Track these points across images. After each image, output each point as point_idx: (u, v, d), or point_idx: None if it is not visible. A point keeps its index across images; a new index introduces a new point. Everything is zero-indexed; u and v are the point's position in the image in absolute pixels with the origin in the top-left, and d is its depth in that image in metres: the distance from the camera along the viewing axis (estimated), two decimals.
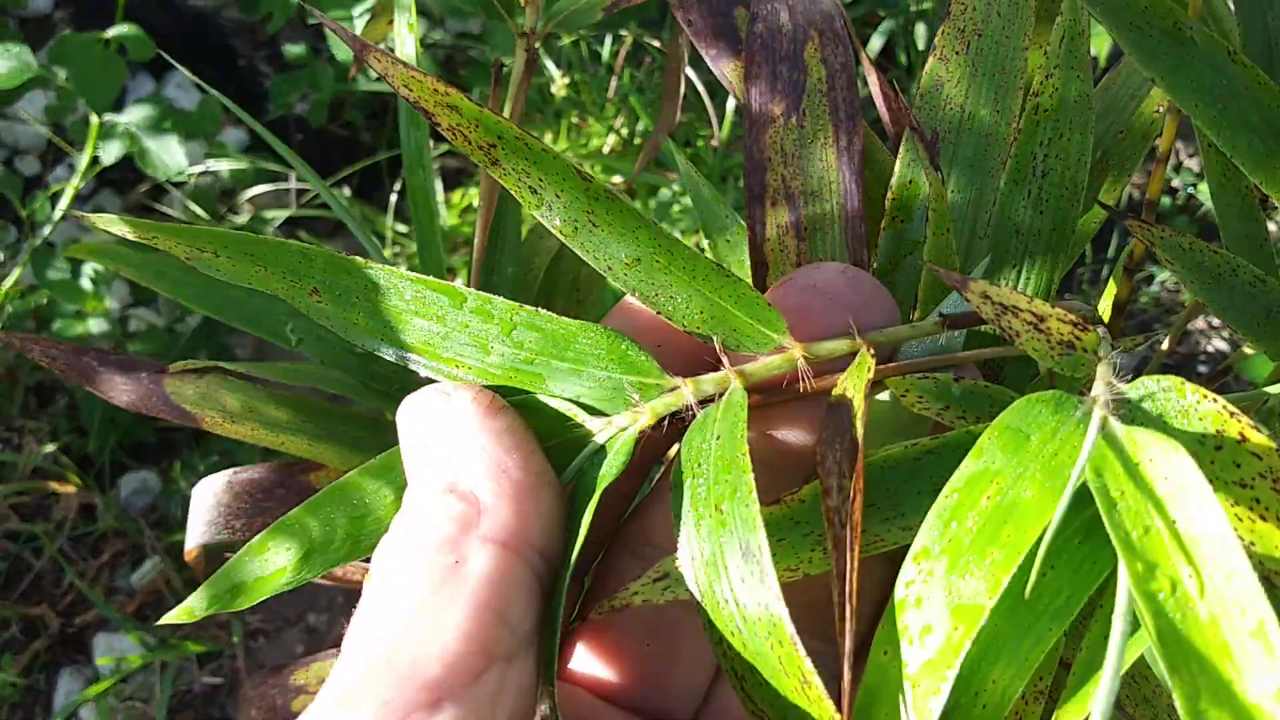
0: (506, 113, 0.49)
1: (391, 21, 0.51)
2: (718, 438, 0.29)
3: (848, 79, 0.38)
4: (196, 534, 0.52)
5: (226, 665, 1.27)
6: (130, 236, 0.33)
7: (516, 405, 0.33)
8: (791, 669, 0.26)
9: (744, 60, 0.37)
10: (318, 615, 1.33)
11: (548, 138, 1.50)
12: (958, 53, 0.38)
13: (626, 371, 0.32)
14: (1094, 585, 0.27)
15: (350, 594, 1.36)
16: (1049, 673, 0.30)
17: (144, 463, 1.39)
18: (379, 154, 1.54)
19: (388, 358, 0.33)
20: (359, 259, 0.32)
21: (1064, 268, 0.38)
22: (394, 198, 1.49)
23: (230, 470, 0.50)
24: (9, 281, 1.34)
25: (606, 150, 1.50)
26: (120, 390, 0.45)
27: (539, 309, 0.32)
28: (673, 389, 0.32)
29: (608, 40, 1.53)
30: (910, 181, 0.38)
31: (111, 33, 1.21)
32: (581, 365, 0.32)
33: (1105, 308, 0.45)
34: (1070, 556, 0.27)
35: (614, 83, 1.51)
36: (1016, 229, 0.37)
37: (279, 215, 1.51)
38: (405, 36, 0.49)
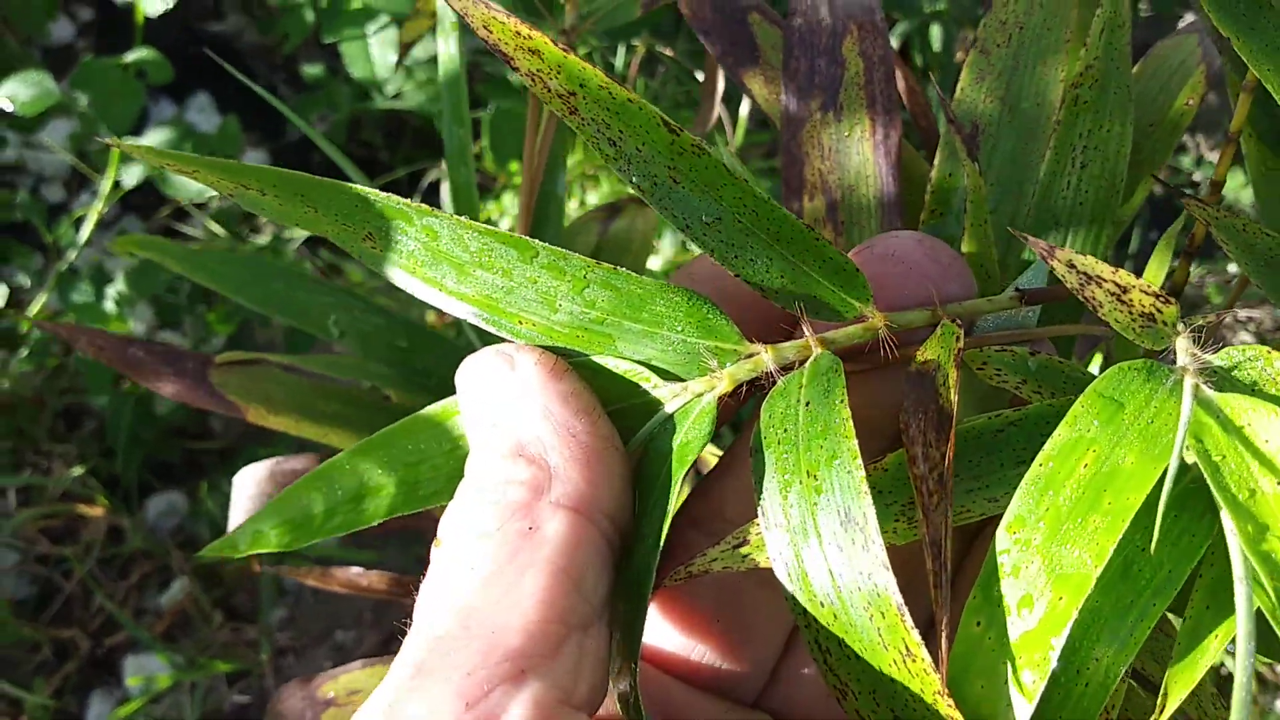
0: (545, 110, 0.50)
1: (432, 18, 0.52)
2: (806, 403, 0.29)
3: (886, 71, 0.38)
4: (238, 520, 0.52)
5: (255, 683, 1.27)
6: (170, 169, 0.32)
7: (576, 368, 0.32)
8: (893, 641, 0.26)
9: (782, 56, 0.38)
10: (345, 632, 1.33)
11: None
12: (999, 45, 0.38)
13: (704, 336, 0.31)
14: (1195, 558, 0.26)
15: (378, 607, 1.36)
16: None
17: (170, 484, 1.39)
18: (397, 171, 1.55)
19: (444, 309, 0.32)
20: (424, 205, 0.31)
21: (1103, 256, 0.38)
22: None
23: (273, 459, 0.50)
24: (36, 306, 1.35)
25: None
26: (166, 381, 0.45)
27: (618, 267, 0.31)
28: (751, 355, 0.31)
29: (620, 50, 1.53)
30: (949, 174, 0.38)
31: (130, 57, 1.22)
32: (656, 328, 0.31)
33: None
34: (1168, 530, 0.26)
35: None
36: (1055, 220, 0.37)
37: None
38: (448, 35, 0.49)
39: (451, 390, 0.52)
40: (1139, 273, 0.31)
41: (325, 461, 0.37)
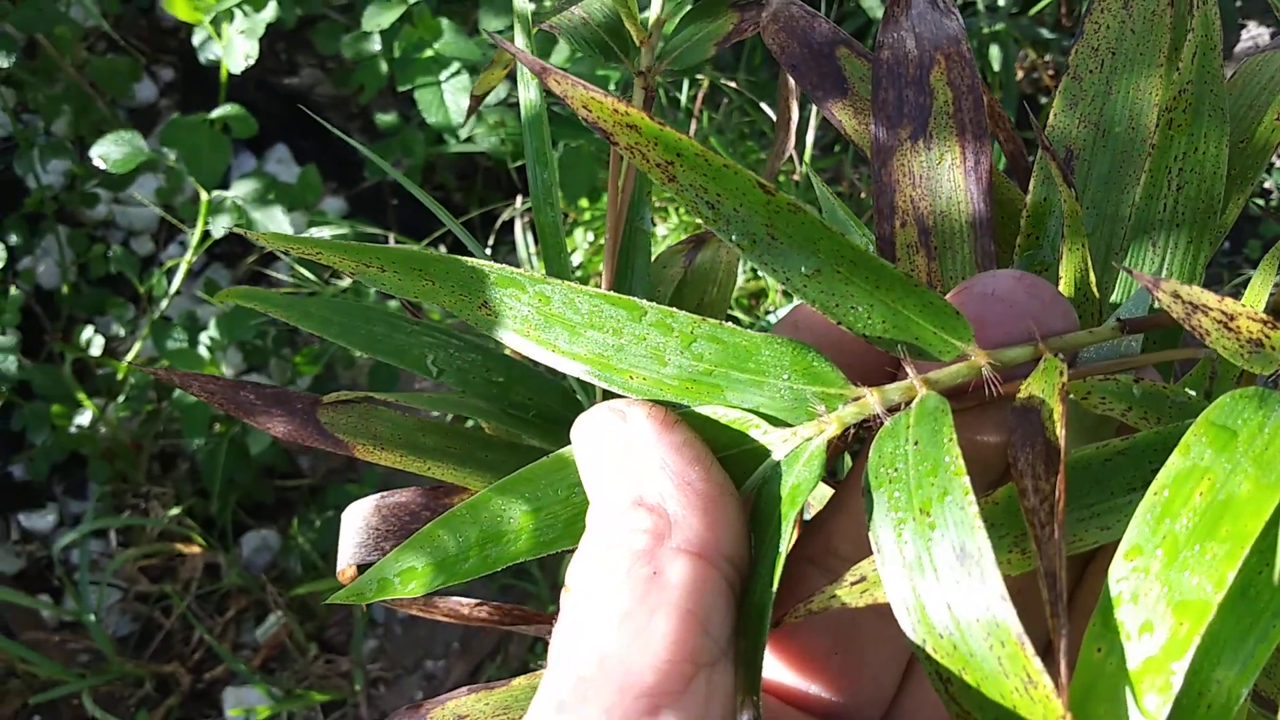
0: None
1: (506, 68, 0.53)
2: (915, 443, 0.30)
3: (974, 100, 0.39)
4: (348, 555, 0.54)
5: (350, 713, 1.30)
6: (294, 252, 0.34)
7: (685, 419, 0.33)
8: (1015, 669, 0.26)
9: (871, 87, 0.39)
10: (435, 662, 1.35)
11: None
12: (1091, 71, 0.40)
13: (810, 382, 0.32)
14: None
15: (465, 639, 1.39)
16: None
17: (263, 522, 1.43)
18: (471, 212, 1.58)
19: (558, 368, 0.33)
20: (535, 274, 0.33)
21: (1200, 278, 0.38)
22: (488, 251, 1.54)
23: (378, 494, 0.52)
24: (131, 354, 1.41)
25: None
26: (276, 422, 0.47)
27: (723, 322, 0.32)
28: (857, 399, 0.32)
29: (685, 84, 1.56)
30: (1044, 199, 0.39)
31: (216, 113, 1.27)
32: (762, 376, 0.32)
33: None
34: None
35: (693, 126, 1.54)
36: (1152, 243, 0.38)
37: None
38: (529, 83, 0.51)
39: (551, 421, 0.53)
40: (1235, 295, 0.32)
41: (451, 509, 0.39)
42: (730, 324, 0.33)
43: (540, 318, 0.33)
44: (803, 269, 0.31)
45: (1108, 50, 0.39)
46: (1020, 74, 1.78)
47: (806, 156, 1.48)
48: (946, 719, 0.36)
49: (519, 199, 1.48)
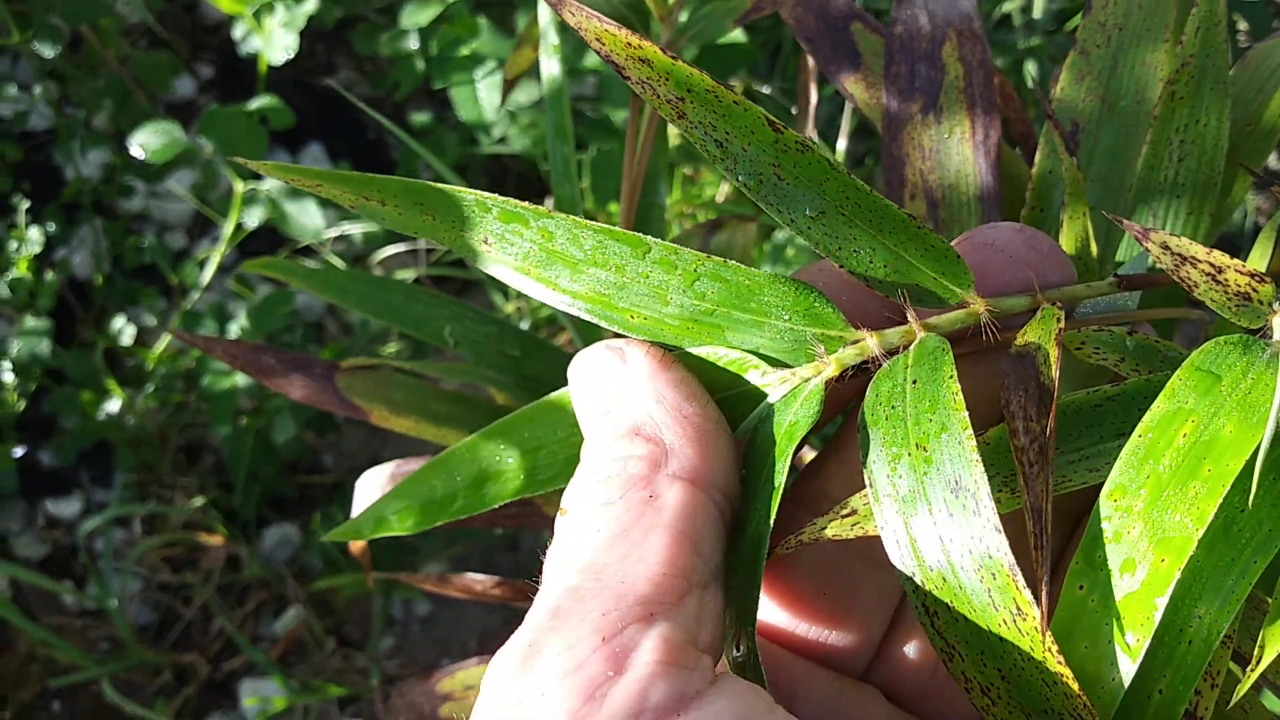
0: (644, 125, 0.52)
1: (535, 48, 0.54)
2: (914, 381, 0.30)
3: (984, 75, 0.39)
4: None
5: (365, 708, 1.31)
6: (295, 184, 0.34)
7: (682, 360, 0.33)
8: (1005, 601, 0.27)
9: (884, 61, 0.39)
10: (451, 659, 1.35)
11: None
12: (1098, 46, 0.40)
13: (811, 324, 0.32)
14: None
15: (483, 638, 1.39)
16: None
17: (285, 517, 1.44)
18: None
19: (556, 306, 0.33)
20: (540, 208, 0.33)
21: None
22: None
23: (394, 462, 0.53)
24: (161, 345, 1.42)
25: (720, 199, 1.53)
26: (296, 386, 0.48)
27: (727, 259, 0.32)
28: (856, 341, 0.32)
29: None
30: (1049, 171, 0.39)
31: (254, 104, 1.29)
32: (764, 317, 0.32)
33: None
34: (1266, 492, 0.27)
35: None
36: (1153, 212, 0.38)
37: (409, 274, 1.57)
38: (552, 55, 0.52)
39: None
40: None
41: (447, 450, 0.39)
42: (735, 262, 0.32)
43: (543, 254, 0.33)
44: (807, 210, 0.31)
45: (1115, 26, 0.39)
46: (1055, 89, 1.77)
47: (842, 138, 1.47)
48: (934, 665, 0.36)
49: (548, 201, 1.49)
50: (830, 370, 0.32)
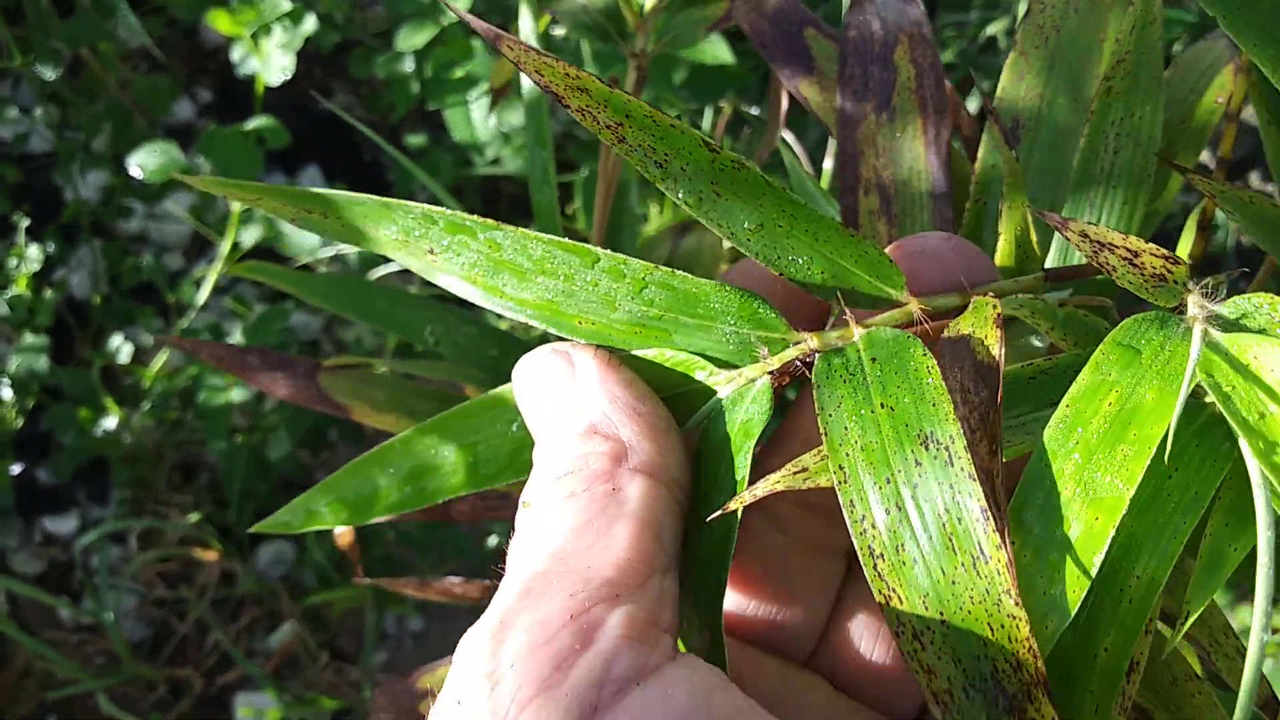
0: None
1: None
2: (873, 359, 0.32)
3: (935, 76, 0.41)
4: None
5: None
6: (238, 199, 0.35)
7: (627, 362, 0.35)
8: (968, 544, 0.28)
9: (838, 65, 0.41)
10: None
11: (653, 209, 1.56)
12: (1037, 47, 0.42)
13: (755, 328, 0.34)
14: (1217, 480, 0.30)
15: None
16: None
17: (279, 534, 1.46)
18: None
19: (504, 314, 0.34)
20: (488, 220, 0.34)
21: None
22: None
23: None
24: (157, 363, 1.44)
25: None
26: (279, 384, 0.50)
27: (674, 269, 0.34)
28: (798, 343, 0.34)
29: (708, 112, 1.59)
30: (992, 165, 0.41)
31: (251, 125, 1.31)
32: (710, 321, 0.34)
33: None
34: (1191, 458, 0.30)
35: None
36: (1090, 204, 0.40)
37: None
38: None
39: None
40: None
41: (382, 444, 0.40)
42: (682, 272, 0.34)
43: (489, 264, 0.34)
44: (746, 224, 0.33)
45: (1052, 28, 0.41)
46: None
47: (824, 182, 1.50)
48: (876, 651, 0.37)
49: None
50: (774, 368, 0.34)
